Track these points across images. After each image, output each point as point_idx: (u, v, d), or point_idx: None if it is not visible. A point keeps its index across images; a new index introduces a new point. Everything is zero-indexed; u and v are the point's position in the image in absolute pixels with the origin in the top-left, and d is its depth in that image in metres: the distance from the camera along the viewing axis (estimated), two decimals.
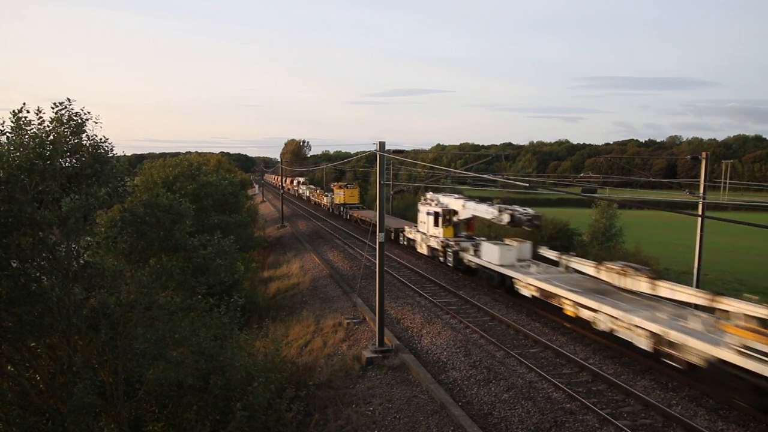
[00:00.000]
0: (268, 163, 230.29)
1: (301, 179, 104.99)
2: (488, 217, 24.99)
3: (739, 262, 41.12)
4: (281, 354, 16.77)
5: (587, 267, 19.56)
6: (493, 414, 13.29)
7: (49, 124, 11.63)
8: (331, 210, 65.56)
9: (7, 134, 11.38)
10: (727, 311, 13.27)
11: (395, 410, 13.95)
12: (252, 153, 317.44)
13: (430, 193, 33.70)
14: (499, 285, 23.57)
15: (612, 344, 17.01)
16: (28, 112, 11.52)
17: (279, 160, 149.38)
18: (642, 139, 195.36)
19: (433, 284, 26.70)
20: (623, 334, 15.68)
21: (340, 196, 60.57)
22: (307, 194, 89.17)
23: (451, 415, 13.06)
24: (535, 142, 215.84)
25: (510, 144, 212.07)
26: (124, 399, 11.90)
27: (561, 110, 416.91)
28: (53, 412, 11.08)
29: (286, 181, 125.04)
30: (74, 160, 11.91)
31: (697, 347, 13.16)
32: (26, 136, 11.36)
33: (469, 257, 26.38)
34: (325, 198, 70.27)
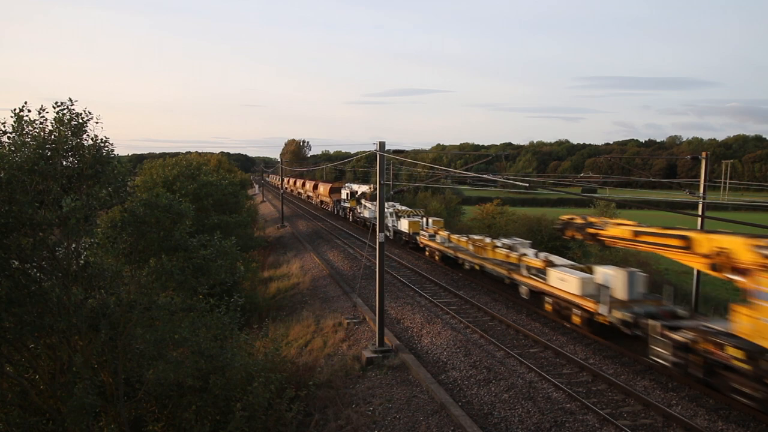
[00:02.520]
0: (268, 163, 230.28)
1: (360, 188, 51.70)
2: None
3: None
4: (281, 354, 16.77)
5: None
6: (493, 414, 13.29)
7: (50, 125, 11.63)
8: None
9: (8, 134, 11.37)
10: None
11: (395, 410, 13.95)
12: (252, 153, 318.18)
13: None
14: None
15: (612, 344, 17.04)
16: (29, 111, 11.51)
17: (279, 160, 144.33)
18: (642, 139, 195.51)
19: (433, 284, 26.70)
20: None
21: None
22: (404, 230, 36.83)
23: (451, 415, 13.06)
24: (535, 142, 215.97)
25: (510, 144, 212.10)
26: (124, 399, 11.91)
27: (561, 110, 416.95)
28: (53, 412, 11.09)
29: (303, 185, 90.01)
30: (75, 161, 11.91)
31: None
32: (27, 137, 11.35)
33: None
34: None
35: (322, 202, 71.47)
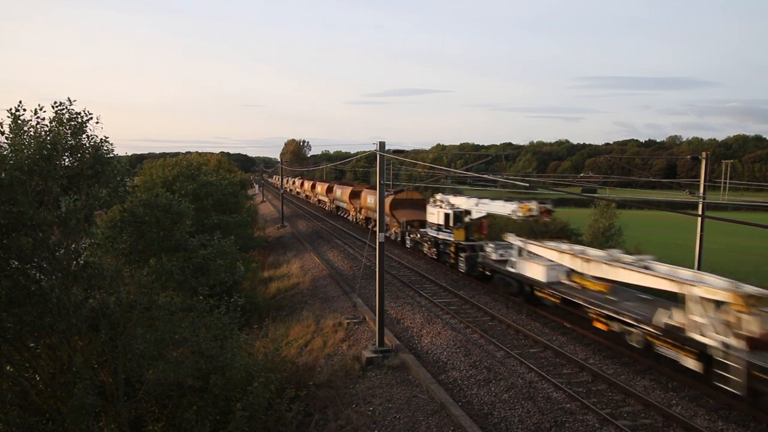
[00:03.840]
0: (268, 163, 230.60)
1: (482, 204, 25.30)
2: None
3: (739, 262, 41.10)
4: (281, 354, 16.78)
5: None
6: (493, 414, 13.29)
7: (48, 124, 11.61)
8: None
9: (8, 135, 11.35)
10: None
11: (395, 410, 13.95)
12: (252, 153, 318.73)
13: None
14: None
15: (612, 344, 17.03)
16: (24, 110, 11.49)
17: (279, 160, 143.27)
18: (642, 139, 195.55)
19: (433, 284, 26.70)
20: None
21: None
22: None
23: (451, 415, 13.06)
24: (535, 142, 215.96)
25: (510, 144, 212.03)
26: (124, 399, 11.90)
27: (561, 110, 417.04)
28: (53, 412, 11.09)
29: (327, 190, 61.85)
30: (75, 161, 11.90)
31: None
32: (26, 136, 11.33)
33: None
34: None
35: (368, 219, 41.78)
